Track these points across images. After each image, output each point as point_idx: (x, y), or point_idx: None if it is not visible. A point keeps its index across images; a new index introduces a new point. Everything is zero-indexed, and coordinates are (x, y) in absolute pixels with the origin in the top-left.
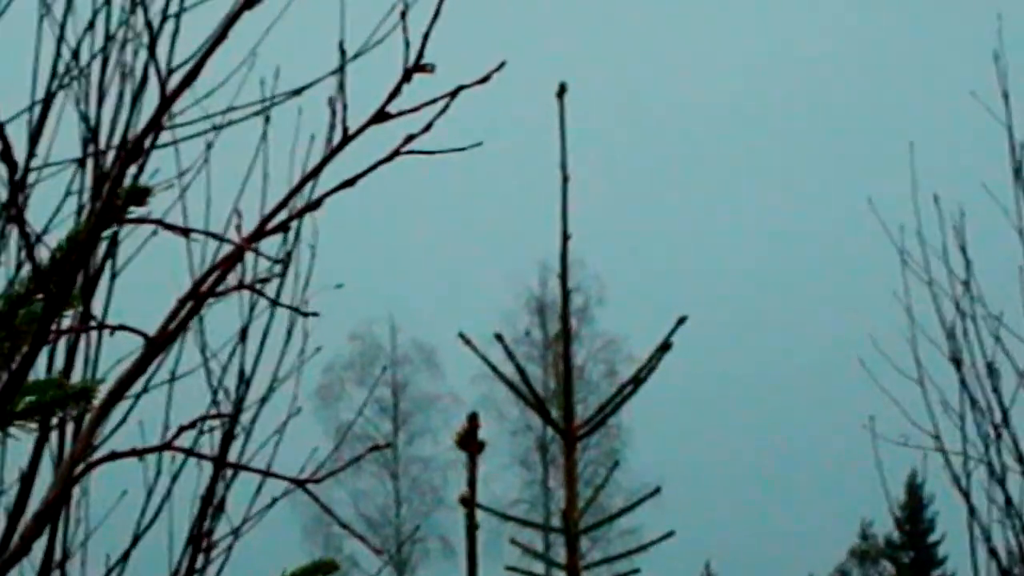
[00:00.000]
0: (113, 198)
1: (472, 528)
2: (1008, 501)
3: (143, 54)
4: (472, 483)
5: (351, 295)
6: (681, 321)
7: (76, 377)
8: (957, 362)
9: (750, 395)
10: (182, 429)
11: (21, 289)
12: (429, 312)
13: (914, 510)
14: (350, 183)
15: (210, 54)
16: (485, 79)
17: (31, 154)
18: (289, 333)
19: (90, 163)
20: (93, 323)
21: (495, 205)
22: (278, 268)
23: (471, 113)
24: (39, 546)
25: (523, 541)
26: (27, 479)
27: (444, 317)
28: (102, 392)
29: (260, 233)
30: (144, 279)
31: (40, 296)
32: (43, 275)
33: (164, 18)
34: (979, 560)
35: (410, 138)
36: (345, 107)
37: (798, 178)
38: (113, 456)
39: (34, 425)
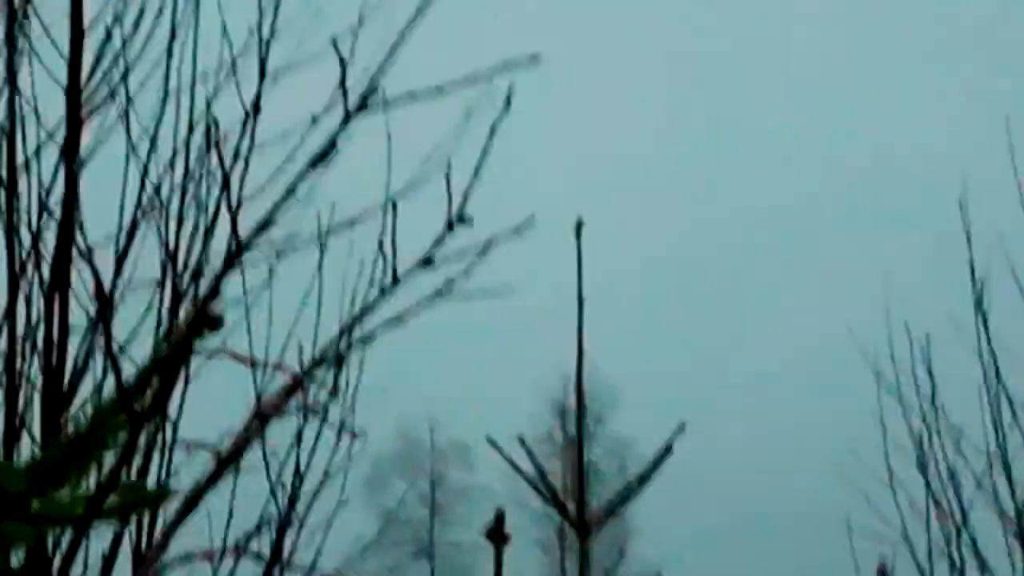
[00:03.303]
0: (190, 338)
1: None
2: None
3: (215, 189)
4: (498, 572)
5: (397, 396)
6: (680, 428)
7: (151, 478)
8: (923, 468)
9: (742, 491)
10: (249, 537)
11: (106, 407)
12: (465, 413)
13: None
14: (398, 321)
15: (280, 206)
16: (517, 231)
17: (117, 274)
18: (339, 436)
19: (168, 284)
20: (170, 429)
21: (525, 319)
22: (328, 396)
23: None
24: None
25: None
26: (107, 564)
27: (478, 417)
28: (175, 499)
29: (316, 365)
30: (209, 387)
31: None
32: (126, 396)
33: (235, 157)
34: None
35: (451, 282)
36: (395, 251)
37: (785, 304)
38: (187, 559)
39: (116, 522)
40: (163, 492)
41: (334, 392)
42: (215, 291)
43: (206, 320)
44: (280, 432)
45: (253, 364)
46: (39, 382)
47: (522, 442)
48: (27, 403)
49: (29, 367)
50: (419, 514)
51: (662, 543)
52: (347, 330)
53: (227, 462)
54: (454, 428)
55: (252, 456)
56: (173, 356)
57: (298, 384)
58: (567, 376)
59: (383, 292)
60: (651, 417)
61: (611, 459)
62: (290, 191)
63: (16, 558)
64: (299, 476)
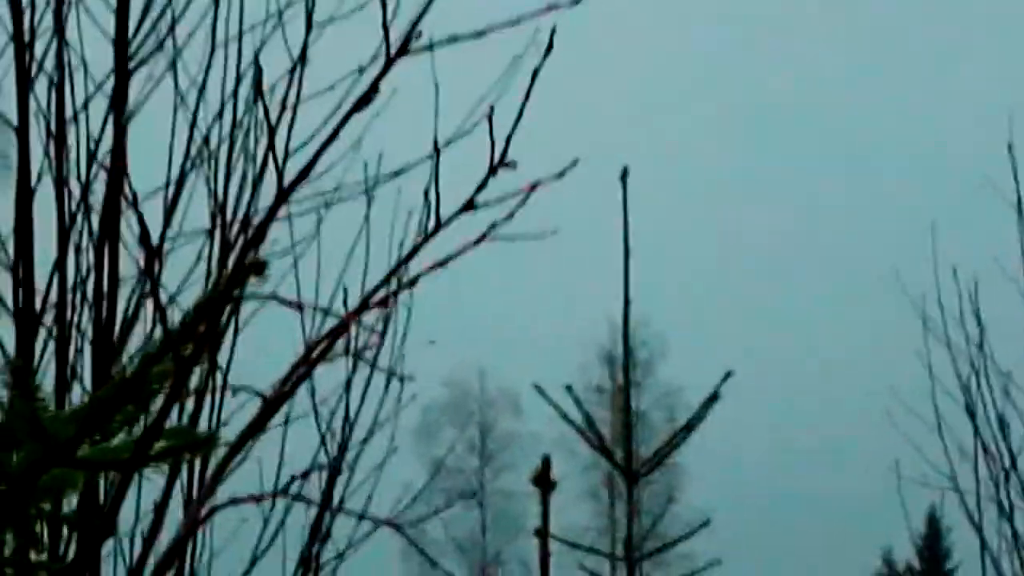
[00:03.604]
0: (238, 277)
1: (545, 556)
2: (1015, 535)
3: (264, 139)
4: (545, 517)
5: (446, 346)
6: (728, 376)
7: (202, 424)
8: (971, 413)
9: (791, 440)
10: (294, 479)
11: (153, 350)
12: (514, 362)
13: (932, 541)
14: (442, 264)
15: (324, 150)
16: (561, 175)
17: (166, 226)
18: (388, 384)
19: (217, 234)
20: (220, 376)
21: (573, 268)
22: (376, 339)
23: (550, 190)
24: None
25: (591, 566)
26: (159, 511)
27: (527, 366)
28: (224, 441)
29: (363, 308)
30: (262, 336)
31: (170, 356)
32: (173, 341)
33: (283, 108)
34: None
35: (494, 226)
36: (439, 197)
37: (833, 253)
38: (234, 502)
39: (165, 466)
40: (211, 436)
41: (382, 335)
42: (260, 236)
43: (251, 265)
44: (329, 381)
45: (300, 308)
46: (89, 333)
47: (570, 390)
48: (78, 354)
49: (79, 318)
50: (468, 462)
51: (711, 490)
52: (393, 273)
53: (275, 405)
54: (503, 377)
55: (302, 405)
56: (219, 301)
57: (346, 327)
58: (615, 325)
59: (427, 235)
60: (699, 366)
61: (659, 409)
62: (334, 135)
63: (68, 505)
64: (349, 424)
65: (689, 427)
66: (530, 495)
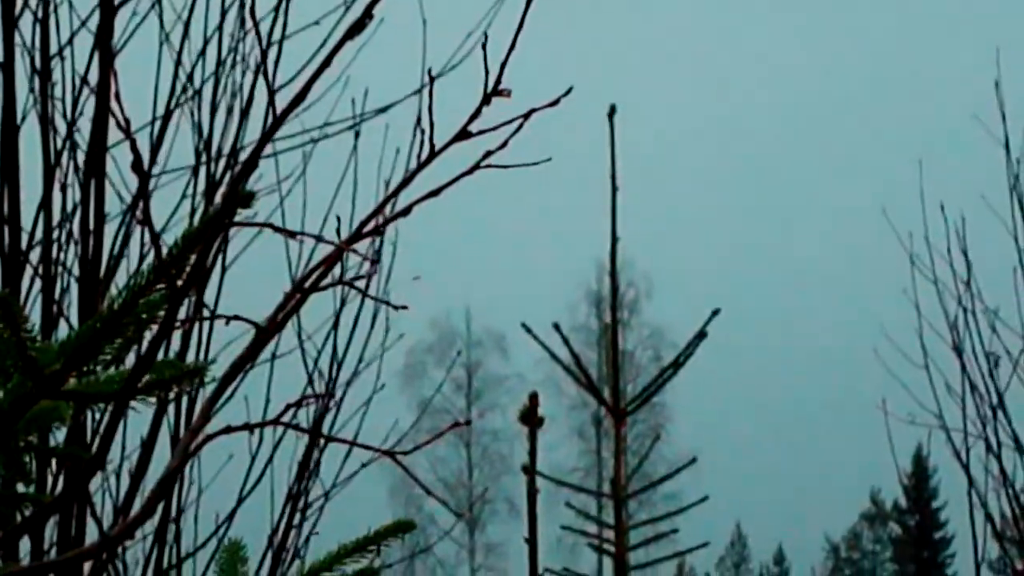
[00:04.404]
0: (231, 203)
1: (532, 493)
2: (1003, 472)
3: (249, 76)
4: (532, 454)
5: (431, 288)
6: (715, 313)
7: (190, 359)
8: (959, 351)
9: (776, 379)
10: (288, 407)
11: (143, 280)
12: (500, 302)
13: (919, 480)
14: (435, 193)
15: (315, 80)
16: (555, 103)
17: (152, 162)
18: (374, 321)
19: (203, 171)
20: (207, 313)
21: (559, 209)
22: (369, 267)
23: (540, 129)
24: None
25: (578, 504)
26: (147, 446)
27: (513, 307)
28: (214, 373)
29: (356, 236)
30: (249, 272)
31: (160, 287)
32: (165, 266)
33: (269, 44)
34: (976, 524)
35: (488, 154)
36: (432, 125)
37: (820, 191)
38: (229, 430)
39: (153, 400)
40: (201, 367)
41: (375, 262)
42: (253, 163)
43: (241, 195)
44: (317, 318)
45: (292, 235)
46: (76, 270)
47: (557, 328)
48: (64, 292)
49: (66, 256)
50: (455, 402)
51: (698, 430)
52: (387, 201)
53: (267, 335)
54: (489, 318)
55: (288, 343)
56: (210, 229)
57: (339, 255)
58: (602, 266)
59: (422, 163)
60: (686, 307)
61: (645, 348)
62: (328, 61)
63: (54, 439)
64: (336, 362)
65: (677, 364)
66: (516, 434)
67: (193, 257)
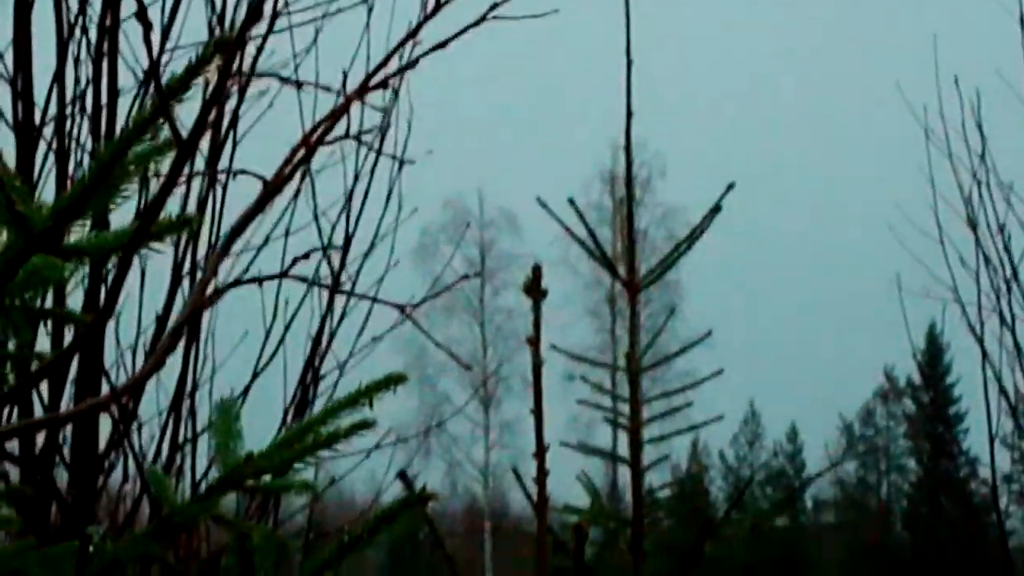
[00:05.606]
0: (238, 53)
1: (537, 365)
2: (1017, 346)
3: None
4: (537, 326)
5: (445, 167)
6: (730, 187)
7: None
8: (973, 225)
9: (791, 255)
10: (296, 259)
11: (141, 120)
12: (513, 182)
13: (933, 356)
14: (442, 45)
15: None
16: None
17: (164, 38)
18: (389, 197)
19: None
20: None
21: (573, 88)
22: (380, 122)
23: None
24: (173, 378)
25: (593, 379)
26: (162, 320)
27: (526, 186)
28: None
29: (364, 88)
30: (261, 136)
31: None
32: (164, 99)
33: None
34: (991, 399)
35: (496, 5)
36: None
37: (834, 67)
38: (238, 283)
39: (159, 247)
40: (190, 217)
41: (387, 111)
42: (257, 15)
43: (244, 40)
44: (330, 193)
45: (300, 86)
46: (89, 145)
47: (572, 203)
48: (78, 166)
49: (79, 130)
50: (469, 281)
51: (711, 309)
52: (395, 51)
53: (273, 190)
54: (502, 198)
55: (302, 217)
56: (218, 81)
57: (347, 107)
58: (616, 144)
59: (430, 13)
60: (700, 185)
61: (659, 227)
62: None
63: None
64: (350, 237)
65: (691, 238)
66: (529, 312)
67: (198, 107)
